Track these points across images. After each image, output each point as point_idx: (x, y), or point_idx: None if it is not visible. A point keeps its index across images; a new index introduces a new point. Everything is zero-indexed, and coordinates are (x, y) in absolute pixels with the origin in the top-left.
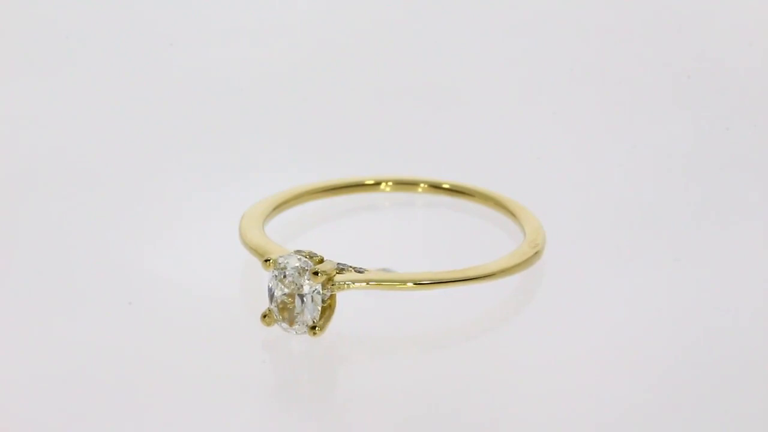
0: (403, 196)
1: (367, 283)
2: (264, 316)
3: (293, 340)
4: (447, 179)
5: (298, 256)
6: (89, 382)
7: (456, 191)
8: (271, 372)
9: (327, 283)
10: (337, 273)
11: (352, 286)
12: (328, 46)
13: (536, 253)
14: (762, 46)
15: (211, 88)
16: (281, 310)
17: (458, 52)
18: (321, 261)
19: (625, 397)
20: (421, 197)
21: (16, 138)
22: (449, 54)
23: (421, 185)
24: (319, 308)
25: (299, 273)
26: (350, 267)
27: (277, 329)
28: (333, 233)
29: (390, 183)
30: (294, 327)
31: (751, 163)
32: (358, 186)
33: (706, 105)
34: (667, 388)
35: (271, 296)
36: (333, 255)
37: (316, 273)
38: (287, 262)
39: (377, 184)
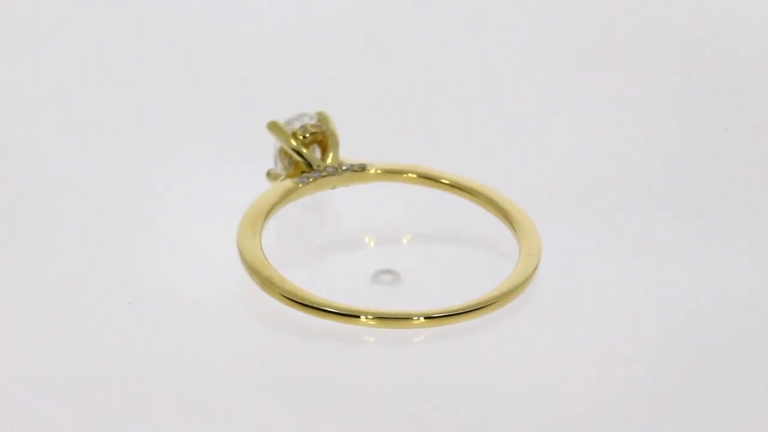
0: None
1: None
2: None
3: None
4: (442, 171)
5: (305, 120)
6: (89, 382)
7: (454, 186)
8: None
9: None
10: (309, 169)
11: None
12: (327, 35)
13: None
14: (762, 45)
15: (204, 84)
16: None
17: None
18: (301, 135)
19: (618, 395)
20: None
21: (11, 138)
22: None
23: (409, 174)
24: (278, 162)
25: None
26: (325, 170)
27: None
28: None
29: (379, 171)
30: None
31: (752, 164)
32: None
33: (706, 105)
34: (663, 384)
35: None
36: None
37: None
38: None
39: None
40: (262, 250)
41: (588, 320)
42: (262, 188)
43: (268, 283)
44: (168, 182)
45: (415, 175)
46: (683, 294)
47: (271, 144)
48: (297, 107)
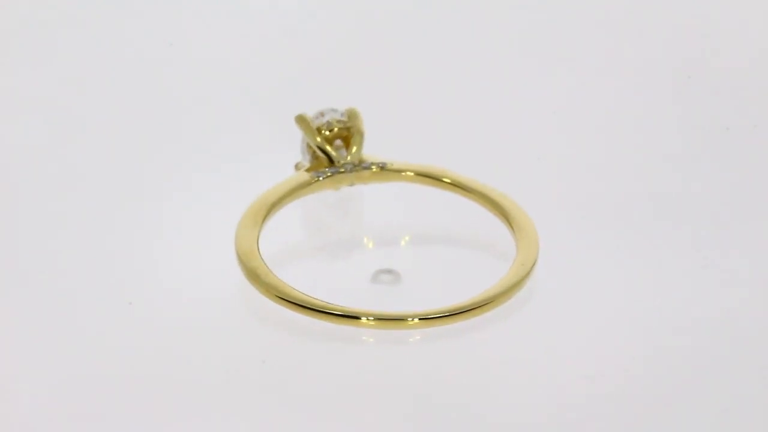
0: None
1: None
2: None
3: None
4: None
5: (333, 114)
6: (89, 382)
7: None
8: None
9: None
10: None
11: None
12: (324, 31)
13: (526, 274)
14: (762, 45)
15: (203, 81)
16: None
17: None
18: (327, 130)
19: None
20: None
21: (11, 137)
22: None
23: (407, 172)
24: (305, 155)
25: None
26: (351, 167)
27: None
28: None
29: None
30: None
31: (752, 164)
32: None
33: (706, 105)
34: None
35: None
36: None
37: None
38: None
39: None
40: (258, 242)
41: (585, 320)
42: (263, 188)
43: (253, 274)
44: (169, 181)
45: (413, 174)
46: (682, 294)
47: (277, 141)
48: (296, 107)
